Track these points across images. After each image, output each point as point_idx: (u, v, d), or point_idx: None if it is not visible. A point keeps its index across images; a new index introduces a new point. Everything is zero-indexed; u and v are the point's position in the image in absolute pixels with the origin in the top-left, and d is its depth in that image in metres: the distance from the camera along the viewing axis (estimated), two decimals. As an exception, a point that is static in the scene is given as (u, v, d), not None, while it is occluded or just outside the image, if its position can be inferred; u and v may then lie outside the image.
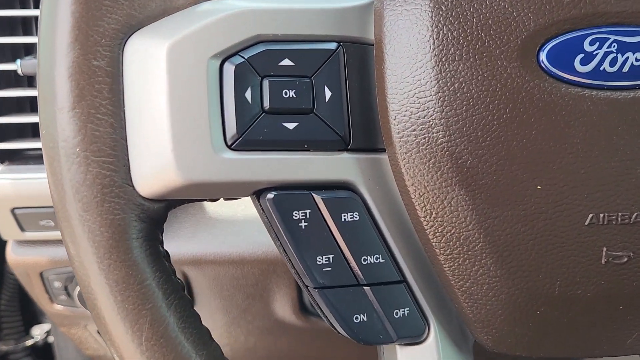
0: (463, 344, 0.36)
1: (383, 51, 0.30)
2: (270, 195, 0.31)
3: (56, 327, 0.83)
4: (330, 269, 0.32)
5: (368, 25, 0.32)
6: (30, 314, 0.97)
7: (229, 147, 0.30)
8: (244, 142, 0.30)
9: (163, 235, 0.33)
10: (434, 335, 0.34)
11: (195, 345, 0.32)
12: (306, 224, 0.31)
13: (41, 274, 0.68)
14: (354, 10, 0.32)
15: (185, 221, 0.63)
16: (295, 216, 0.31)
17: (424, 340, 0.34)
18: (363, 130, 0.32)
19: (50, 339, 0.96)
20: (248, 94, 0.30)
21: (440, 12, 0.29)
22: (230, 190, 0.32)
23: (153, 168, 0.30)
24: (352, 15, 0.32)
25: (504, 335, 0.33)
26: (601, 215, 0.30)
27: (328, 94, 0.31)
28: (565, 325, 0.32)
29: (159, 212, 0.32)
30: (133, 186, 0.31)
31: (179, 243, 0.62)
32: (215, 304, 0.69)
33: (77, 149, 0.30)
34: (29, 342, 0.94)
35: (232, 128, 0.30)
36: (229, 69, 0.30)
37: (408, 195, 0.31)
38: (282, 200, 0.31)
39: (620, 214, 0.30)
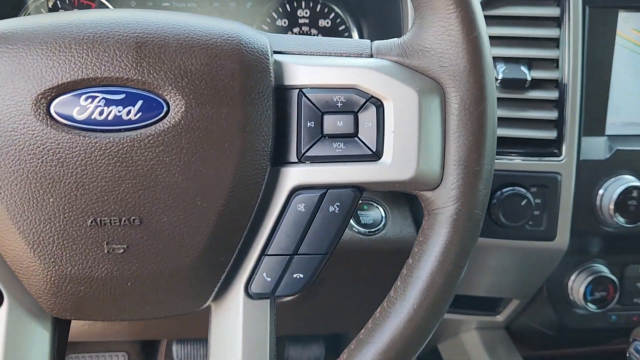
0: (39, 312, 0.47)
1: None
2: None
3: None
4: None
5: None
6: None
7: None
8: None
9: None
10: (6, 305, 0.46)
11: None
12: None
13: None
14: None
15: None
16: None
17: None
18: None
19: None
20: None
21: None
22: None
23: None
24: None
25: (53, 304, 0.45)
26: (99, 219, 0.43)
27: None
28: (93, 297, 0.45)
29: None
30: None
31: None
32: None
33: None
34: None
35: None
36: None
37: None
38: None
39: (112, 218, 0.43)
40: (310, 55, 0.49)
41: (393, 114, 0.47)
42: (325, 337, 1.37)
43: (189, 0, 0.96)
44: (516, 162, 0.78)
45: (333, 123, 0.47)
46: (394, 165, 0.48)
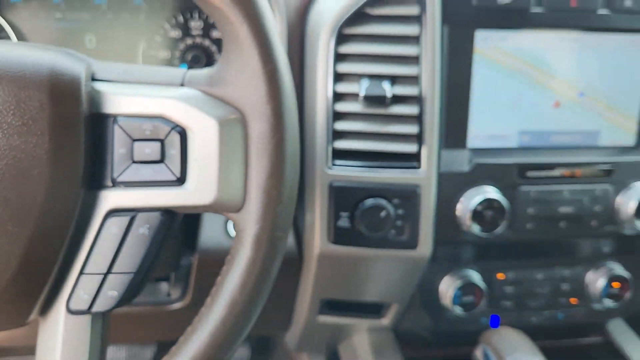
0: None
1: None
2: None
3: None
4: None
5: None
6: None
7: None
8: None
9: None
10: None
11: None
12: None
13: None
14: None
15: None
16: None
17: None
18: None
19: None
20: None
21: None
22: None
23: None
24: None
25: None
26: None
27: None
28: None
29: None
30: None
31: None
32: None
33: None
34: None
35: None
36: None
37: None
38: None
39: None
40: (127, 83, 0.52)
41: (195, 142, 0.50)
42: (251, 339, 1.41)
43: (82, 13, 0.97)
44: (380, 175, 0.81)
45: (142, 150, 0.50)
46: (197, 190, 0.50)
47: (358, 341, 1.03)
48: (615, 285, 0.93)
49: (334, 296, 0.96)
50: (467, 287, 0.89)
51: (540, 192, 0.85)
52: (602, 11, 0.84)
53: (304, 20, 0.86)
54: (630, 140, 0.90)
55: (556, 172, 0.85)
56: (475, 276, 0.91)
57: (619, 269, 0.94)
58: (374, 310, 1.00)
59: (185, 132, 0.50)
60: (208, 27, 0.98)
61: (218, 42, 0.96)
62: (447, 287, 0.90)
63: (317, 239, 0.84)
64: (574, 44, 0.85)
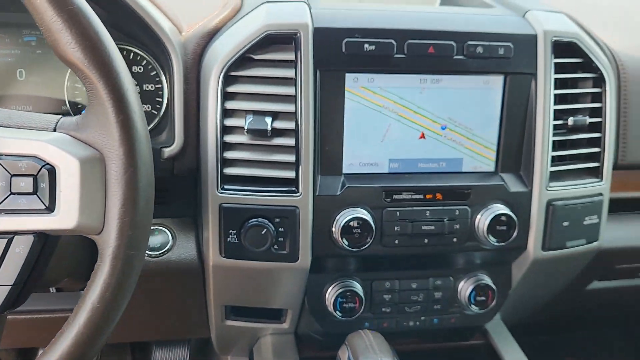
0: None
1: None
2: None
3: None
4: None
5: None
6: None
7: None
8: None
9: None
10: None
11: None
12: None
13: None
14: None
15: None
16: None
17: None
18: None
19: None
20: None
21: None
22: None
23: None
24: None
25: None
26: None
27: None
28: None
29: None
30: None
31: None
32: None
33: None
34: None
35: None
36: None
37: None
38: None
39: None
40: (8, 128, 0.64)
41: (62, 177, 0.62)
42: (190, 340, 1.53)
43: (14, 49, 1.09)
44: (263, 197, 0.94)
45: (18, 183, 0.62)
46: (63, 216, 0.63)
47: (264, 343, 1.15)
48: (481, 294, 1.06)
49: (236, 303, 1.08)
50: (348, 295, 1.02)
51: (405, 212, 0.98)
52: (458, 57, 0.97)
53: (199, 63, 0.99)
54: (490, 167, 1.04)
55: (419, 195, 0.98)
56: (356, 285, 1.04)
57: (486, 279, 1.07)
58: (275, 315, 1.12)
59: (54, 169, 0.63)
60: (129, 63, 1.09)
61: (138, 76, 1.07)
62: (331, 295, 1.03)
63: (212, 253, 0.97)
64: (435, 84, 0.99)
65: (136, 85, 1.04)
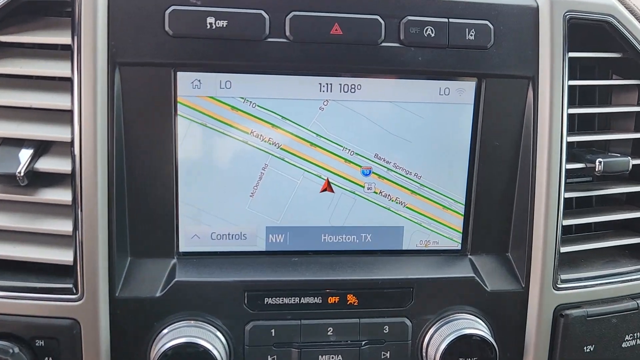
0: None
1: None
2: None
3: None
4: None
5: None
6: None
7: None
8: None
9: None
10: None
11: None
12: None
13: None
14: None
15: None
16: None
17: None
18: None
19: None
20: None
21: None
22: None
23: None
24: None
25: None
26: None
27: None
28: None
29: None
30: None
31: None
32: None
33: None
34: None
35: None
36: None
37: None
38: None
39: None
40: None
41: None
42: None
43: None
44: (14, 301, 0.56)
45: None
46: None
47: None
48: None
49: None
50: None
51: (286, 330, 0.60)
52: (388, 44, 0.59)
53: None
54: (453, 242, 0.64)
55: (315, 298, 0.61)
56: None
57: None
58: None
59: None
60: None
61: None
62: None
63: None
64: (347, 95, 0.58)
65: None
